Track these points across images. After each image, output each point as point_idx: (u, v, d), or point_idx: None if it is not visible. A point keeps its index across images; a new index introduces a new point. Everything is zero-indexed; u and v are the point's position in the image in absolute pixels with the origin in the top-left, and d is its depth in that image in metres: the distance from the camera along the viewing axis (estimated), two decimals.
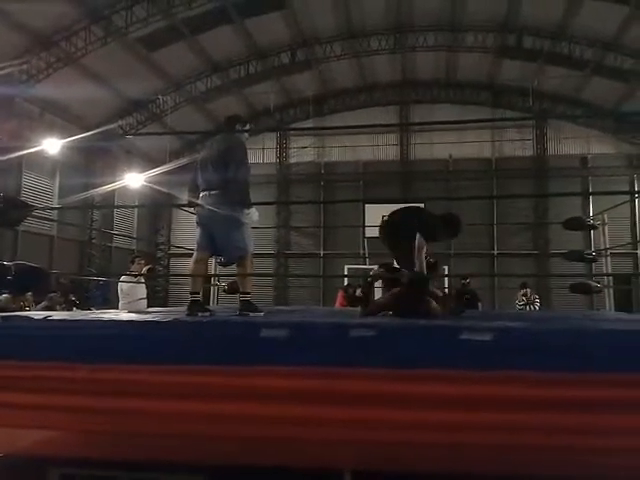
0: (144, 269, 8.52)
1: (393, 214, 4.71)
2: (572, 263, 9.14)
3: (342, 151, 22.95)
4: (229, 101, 20.92)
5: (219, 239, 4.45)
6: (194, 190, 4.70)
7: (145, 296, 8.47)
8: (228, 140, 4.59)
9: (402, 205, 4.94)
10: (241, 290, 4.54)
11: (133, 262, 8.62)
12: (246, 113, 22.43)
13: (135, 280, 8.19)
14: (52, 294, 8.98)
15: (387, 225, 4.72)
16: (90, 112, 17.85)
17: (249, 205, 4.49)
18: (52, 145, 15.62)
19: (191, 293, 4.31)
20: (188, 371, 2.58)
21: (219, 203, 4.30)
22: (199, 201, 4.50)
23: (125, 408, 2.52)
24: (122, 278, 8.89)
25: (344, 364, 2.53)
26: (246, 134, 5.10)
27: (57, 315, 3.46)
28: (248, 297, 4.45)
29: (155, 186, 20.45)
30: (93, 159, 19.24)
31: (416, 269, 4.24)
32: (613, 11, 15.63)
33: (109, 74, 16.94)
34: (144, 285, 8.66)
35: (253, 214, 4.55)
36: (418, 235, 4.29)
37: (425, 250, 4.34)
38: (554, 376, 2.40)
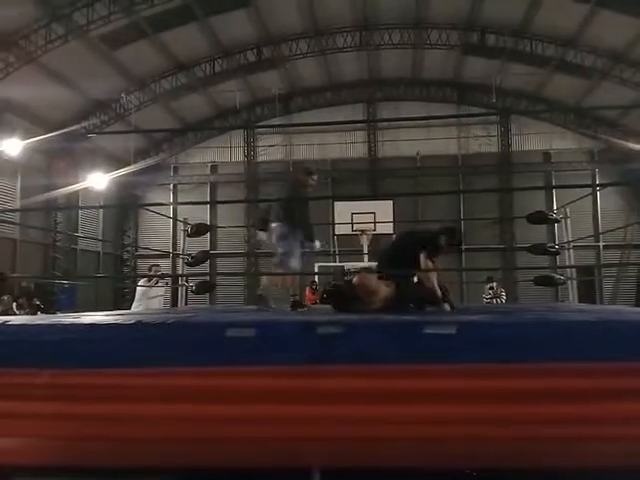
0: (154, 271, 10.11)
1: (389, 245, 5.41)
2: (537, 256, 9.33)
3: (310, 149, 22.93)
4: (195, 100, 20.73)
5: None
6: None
7: (157, 295, 9.70)
8: None
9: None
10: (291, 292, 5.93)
11: (150, 270, 10.31)
12: (212, 112, 22.31)
13: (150, 284, 9.45)
14: (4, 297, 8.82)
15: (384, 254, 5.44)
16: (52, 112, 17.45)
17: None
18: (13, 146, 15.25)
19: (292, 295, 5.85)
20: (154, 374, 2.54)
21: None
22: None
23: (89, 413, 2.47)
24: (140, 282, 10.21)
25: (311, 362, 2.53)
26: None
27: (16, 320, 3.38)
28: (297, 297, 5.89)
29: (121, 186, 20.19)
30: (56, 160, 18.82)
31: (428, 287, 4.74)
32: (573, 9, 15.97)
33: (71, 73, 16.57)
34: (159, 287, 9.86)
35: None
36: (422, 256, 4.73)
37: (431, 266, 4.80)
38: (518, 367, 2.45)
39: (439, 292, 4.77)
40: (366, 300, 4.23)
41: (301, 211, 5.57)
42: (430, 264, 4.85)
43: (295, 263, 5.58)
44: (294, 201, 5.60)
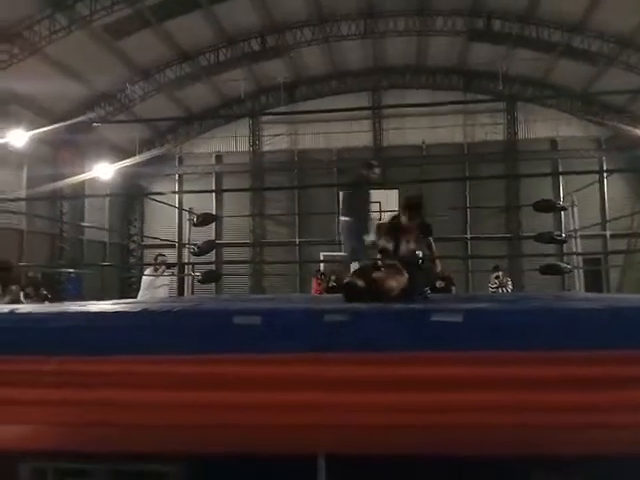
0: (160, 260, 9.85)
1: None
2: (543, 245, 9.29)
3: (315, 138, 22.88)
4: (199, 89, 20.68)
5: None
6: None
7: (163, 284, 9.63)
8: None
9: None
10: None
11: (156, 259, 10.03)
12: (217, 101, 22.26)
13: (156, 274, 9.44)
14: (12, 287, 8.85)
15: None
16: (57, 103, 17.46)
17: None
18: (18, 137, 15.28)
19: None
20: (161, 361, 2.56)
21: None
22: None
23: (95, 399, 2.49)
24: (146, 272, 10.18)
25: (317, 349, 2.54)
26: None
27: (23, 308, 3.40)
28: None
29: (127, 177, 20.22)
30: (61, 151, 18.86)
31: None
32: None
33: (75, 64, 16.55)
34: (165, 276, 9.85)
35: None
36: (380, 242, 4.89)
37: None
38: (524, 355, 2.44)
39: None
40: (384, 296, 4.21)
41: (365, 205, 5.72)
42: (387, 250, 4.91)
43: (364, 258, 5.61)
44: (358, 195, 5.74)
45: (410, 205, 4.97)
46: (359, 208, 5.65)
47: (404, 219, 4.87)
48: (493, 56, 19.72)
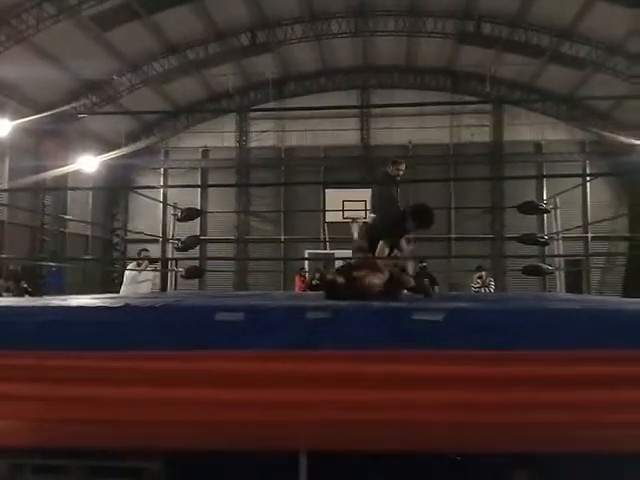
0: (143, 255, 9.97)
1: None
2: (526, 246, 9.38)
3: (303, 136, 22.84)
4: (187, 83, 20.56)
5: None
6: None
7: (146, 279, 9.55)
8: None
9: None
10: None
11: (139, 254, 10.24)
12: (205, 95, 22.13)
13: (140, 268, 9.39)
14: None
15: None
16: (42, 93, 17.23)
17: None
18: (1, 127, 15.06)
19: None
20: (142, 357, 2.54)
21: None
22: None
23: (75, 395, 2.47)
24: (129, 266, 10.08)
25: (299, 346, 2.54)
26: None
27: (2, 301, 3.36)
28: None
29: (111, 169, 20.02)
30: (45, 142, 18.61)
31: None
32: (569, 0, 15.96)
33: (62, 54, 16.36)
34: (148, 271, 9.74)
35: None
36: (380, 243, 4.98)
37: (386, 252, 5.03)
38: (503, 354, 2.46)
39: (408, 280, 4.86)
40: (366, 294, 4.23)
41: (392, 202, 5.69)
42: (386, 251, 5.03)
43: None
44: (384, 192, 5.74)
45: (419, 213, 5.12)
46: (386, 205, 5.66)
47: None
48: (482, 59, 19.86)
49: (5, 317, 2.77)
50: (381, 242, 5.06)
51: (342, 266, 4.81)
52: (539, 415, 2.40)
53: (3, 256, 12.14)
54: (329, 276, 4.60)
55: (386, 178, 5.94)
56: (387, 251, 5.07)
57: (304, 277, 14.59)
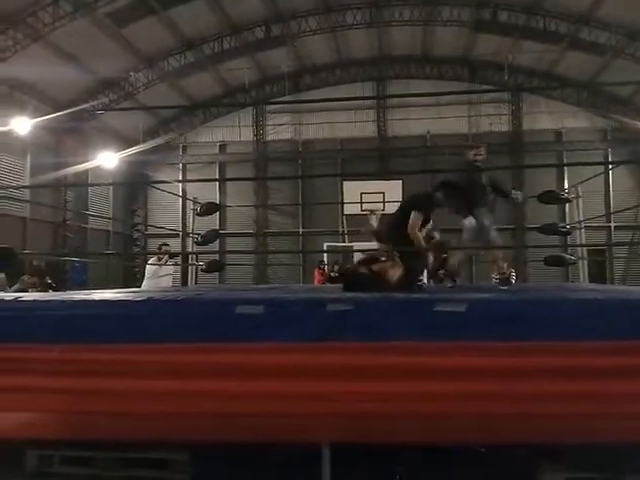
0: (163, 249, 10.00)
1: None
2: (548, 237, 9.27)
3: (319, 128, 22.78)
4: (203, 78, 20.59)
5: None
6: None
7: (167, 273, 9.76)
8: None
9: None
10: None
11: (160, 248, 10.26)
12: (221, 90, 22.17)
13: (160, 263, 9.48)
14: (24, 276, 8.88)
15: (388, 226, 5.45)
16: (61, 91, 17.41)
17: None
18: (22, 125, 15.26)
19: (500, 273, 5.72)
20: (164, 349, 2.56)
21: None
22: None
23: (100, 388, 2.50)
24: (150, 261, 10.15)
25: (320, 339, 2.54)
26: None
27: (28, 296, 3.41)
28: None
29: (131, 165, 20.19)
30: (65, 139, 18.82)
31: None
32: None
33: (79, 51, 16.49)
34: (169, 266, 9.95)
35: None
36: (413, 213, 4.88)
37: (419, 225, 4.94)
38: (526, 345, 2.44)
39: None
40: (385, 286, 4.23)
41: (478, 188, 5.53)
42: (418, 222, 4.94)
43: (493, 234, 5.55)
44: (470, 181, 5.56)
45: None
46: (476, 195, 5.50)
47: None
48: (499, 47, 19.56)
49: (32, 311, 2.82)
50: (413, 213, 4.95)
51: (363, 259, 4.83)
52: (560, 406, 2.38)
53: (27, 252, 12.30)
54: (349, 268, 4.62)
55: (467, 166, 5.83)
56: (419, 223, 4.97)
57: (323, 270, 14.60)
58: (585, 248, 9.13)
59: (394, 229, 5.12)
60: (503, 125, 22.12)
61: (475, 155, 5.67)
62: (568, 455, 2.56)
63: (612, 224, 20.15)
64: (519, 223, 20.52)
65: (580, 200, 8.39)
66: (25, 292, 7.96)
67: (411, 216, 4.92)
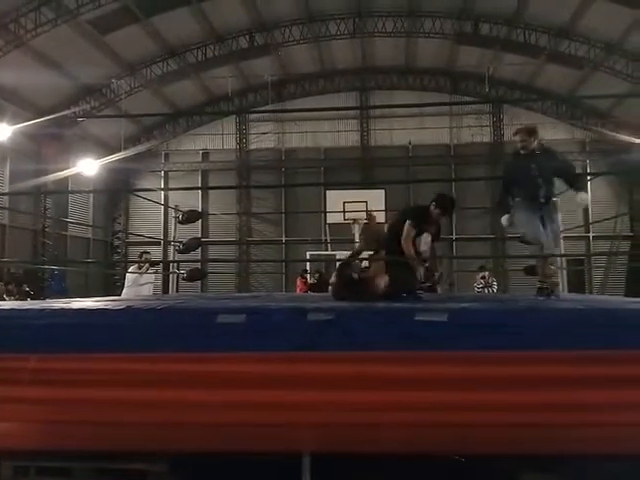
0: (144, 257, 10.05)
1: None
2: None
3: (303, 137, 22.84)
4: (186, 86, 20.54)
5: None
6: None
7: (148, 282, 9.66)
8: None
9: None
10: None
11: (141, 256, 10.36)
12: (204, 98, 22.13)
13: (141, 271, 9.41)
14: (0, 284, 8.76)
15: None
16: (42, 97, 17.23)
17: None
18: (2, 131, 15.06)
19: (541, 282, 5.30)
20: (144, 359, 2.54)
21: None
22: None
23: (78, 398, 2.46)
24: (130, 269, 10.07)
25: (301, 348, 2.53)
26: None
27: (5, 305, 3.36)
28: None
29: (111, 173, 20.02)
30: (46, 146, 18.61)
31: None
32: None
33: (61, 58, 16.36)
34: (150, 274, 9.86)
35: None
36: (407, 224, 4.89)
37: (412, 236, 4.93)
38: (507, 355, 2.46)
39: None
40: (370, 295, 4.23)
41: (521, 179, 5.19)
42: (412, 231, 4.91)
43: (543, 236, 5.07)
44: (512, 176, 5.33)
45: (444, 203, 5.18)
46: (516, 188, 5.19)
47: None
48: (480, 59, 19.85)
49: (8, 321, 2.77)
50: (408, 222, 4.93)
51: (344, 261, 4.85)
52: (540, 416, 2.39)
53: (4, 260, 12.12)
54: (334, 276, 4.63)
55: (518, 151, 5.37)
56: (413, 234, 4.92)
57: (305, 279, 14.59)
58: (564, 258, 9.23)
59: (389, 238, 5.17)
60: (485, 136, 22.39)
61: (519, 142, 5.22)
62: (548, 465, 2.58)
63: (591, 234, 20.46)
64: (499, 233, 20.72)
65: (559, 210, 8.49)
66: (1, 300, 7.84)
67: (405, 227, 4.93)
